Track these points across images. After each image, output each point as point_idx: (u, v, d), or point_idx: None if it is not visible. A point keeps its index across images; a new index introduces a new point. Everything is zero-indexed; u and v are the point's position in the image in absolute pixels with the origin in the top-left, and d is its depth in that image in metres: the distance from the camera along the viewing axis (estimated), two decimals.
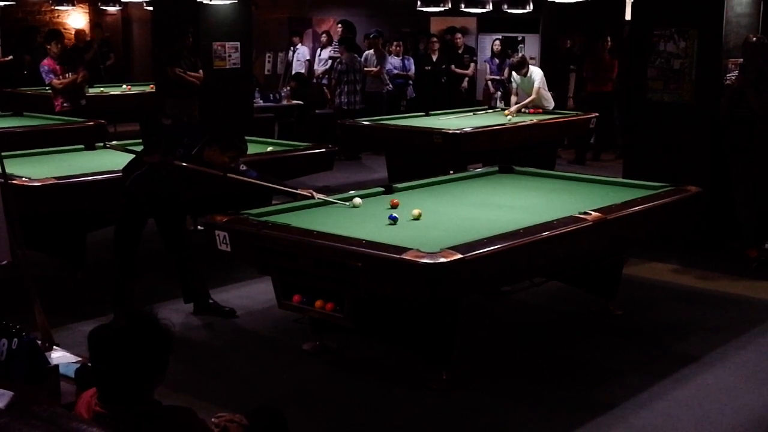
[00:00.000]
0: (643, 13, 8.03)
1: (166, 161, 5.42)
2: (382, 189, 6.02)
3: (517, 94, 10.63)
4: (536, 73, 10.51)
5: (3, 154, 3.98)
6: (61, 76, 9.95)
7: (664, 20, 7.69)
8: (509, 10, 11.46)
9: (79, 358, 3.38)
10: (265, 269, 5.09)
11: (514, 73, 10.68)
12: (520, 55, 10.84)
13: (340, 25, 14.72)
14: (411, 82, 13.63)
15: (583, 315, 6.06)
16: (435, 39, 14.16)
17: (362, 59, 12.85)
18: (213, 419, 2.87)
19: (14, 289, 3.98)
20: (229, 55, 11.32)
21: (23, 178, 5.92)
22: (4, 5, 13.05)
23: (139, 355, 2.54)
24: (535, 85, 10.37)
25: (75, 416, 2.57)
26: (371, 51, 13.03)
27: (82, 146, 7.68)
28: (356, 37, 14.11)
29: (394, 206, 5.47)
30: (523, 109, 10.36)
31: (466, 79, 13.88)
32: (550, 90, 10.88)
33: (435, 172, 6.76)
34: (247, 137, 8.02)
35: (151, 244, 6.16)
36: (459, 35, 14.17)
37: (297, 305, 4.86)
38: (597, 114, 10.79)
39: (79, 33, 15.26)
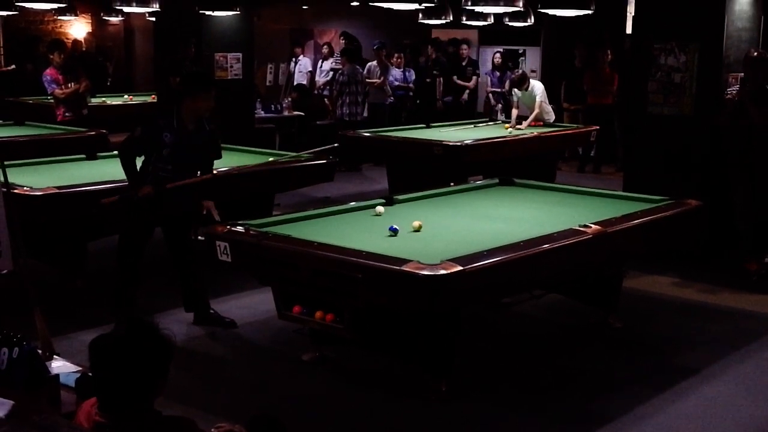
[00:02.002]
0: (644, 27, 8.05)
1: (161, 190, 5.48)
2: (382, 200, 6.03)
3: (518, 107, 10.65)
4: (537, 87, 10.54)
5: (5, 163, 3.99)
6: (63, 86, 9.98)
7: (664, 34, 7.71)
8: (510, 23, 11.52)
9: (79, 368, 3.38)
10: (265, 280, 5.09)
11: (515, 88, 10.72)
12: (520, 71, 10.88)
13: (342, 37, 14.78)
14: (411, 93, 13.65)
15: (582, 327, 6.06)
16: (430, 48, 14.18)
17: (365, 70, 12.87)
18: (213, 430, 2.87)
19: (15, 298, 3.98)
20: (231, 66, 11.35)
21: (24, 188, 5.93)
22: (7, 15, 13.08)
23: (140, 363, 2.54)
24: (537, 99, 10.40)
25: (75, 426, 2.57)
26: (374, 62, 13.06)
27: (84, 156, 7.70)
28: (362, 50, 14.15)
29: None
30: (525, 128, 10.37)
31: (467, 91, 13.91)
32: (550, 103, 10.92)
33: (436, 183, 6.78)
34: (248, 148, 8.11)
35: (155, 250, 6.15)
36: (464, 46, 14.20)
37: (297, 316, 4.86)
38: (598, 127, 10.82)
39: (75, 42, 15.30)
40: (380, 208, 5.64)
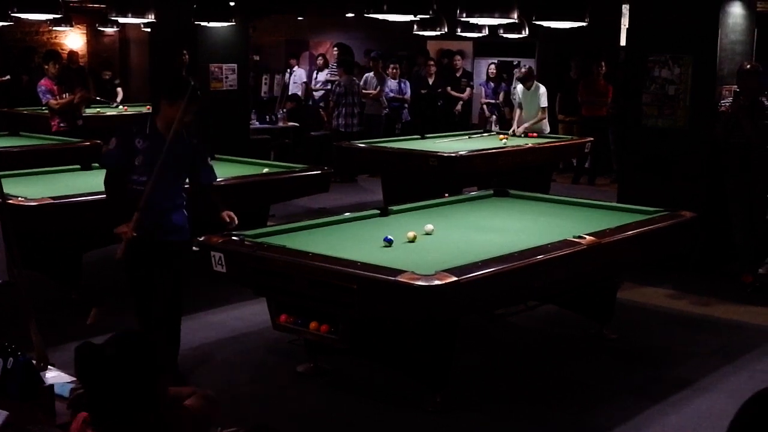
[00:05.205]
0: (638, 39, 8.09)
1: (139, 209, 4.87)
2: (377, 211, 6.03)
3: (520, 107, 10.57)
4: (542, 89, 10.46)
5: None
6: (58, 97, 9.98)
7: (658, 46, 7.75)
8: (505, 35, 11.54)
9: (74, 378, 3.37)
10: (260, 290, 5.09)
11: (519, 85, 10.61)
12: (526, 66, 10.78)
13: (336, 48, 14.81)
14: (407, 105, 13.68)
15: (577, 338, 6.07)
16: (432, 62, 14.23)
17: (362, 81, 12.88)
18: None
19: (10, 309, 3.98)
20: (226, 77, 11.37)
21: (19, 198, 5.92)
22: (3, 26, 13.09)
23: (126, 379, 2.42)
24: (542, 103, 10.33)
25: None
26: (371, 74, 13.07)
27: (78, 166, 7.69)
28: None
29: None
30: (522, 134, 10.37)
31: (461, 102, 13.92)
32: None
33: (430, 195, 6.78)
34: (243, 159, 8.11)
35: None
36: (458, 57, 14.24)
37: (292, 327, 4.86)
38: (592, 138, 10.85)
39: (71, 54, 15.31)
40: (429, 226, 5.48)
